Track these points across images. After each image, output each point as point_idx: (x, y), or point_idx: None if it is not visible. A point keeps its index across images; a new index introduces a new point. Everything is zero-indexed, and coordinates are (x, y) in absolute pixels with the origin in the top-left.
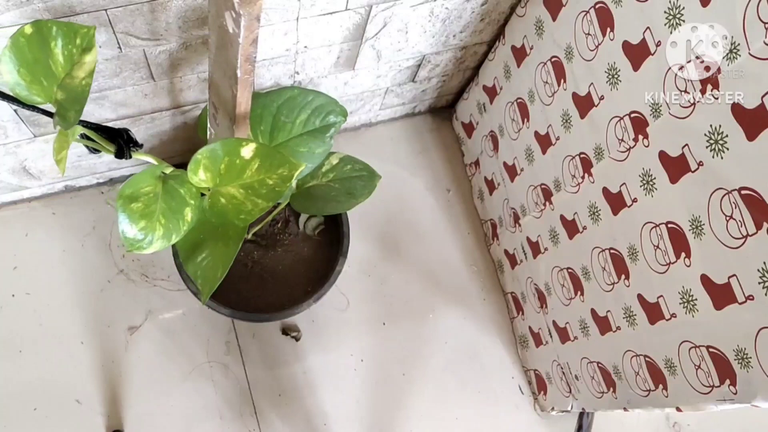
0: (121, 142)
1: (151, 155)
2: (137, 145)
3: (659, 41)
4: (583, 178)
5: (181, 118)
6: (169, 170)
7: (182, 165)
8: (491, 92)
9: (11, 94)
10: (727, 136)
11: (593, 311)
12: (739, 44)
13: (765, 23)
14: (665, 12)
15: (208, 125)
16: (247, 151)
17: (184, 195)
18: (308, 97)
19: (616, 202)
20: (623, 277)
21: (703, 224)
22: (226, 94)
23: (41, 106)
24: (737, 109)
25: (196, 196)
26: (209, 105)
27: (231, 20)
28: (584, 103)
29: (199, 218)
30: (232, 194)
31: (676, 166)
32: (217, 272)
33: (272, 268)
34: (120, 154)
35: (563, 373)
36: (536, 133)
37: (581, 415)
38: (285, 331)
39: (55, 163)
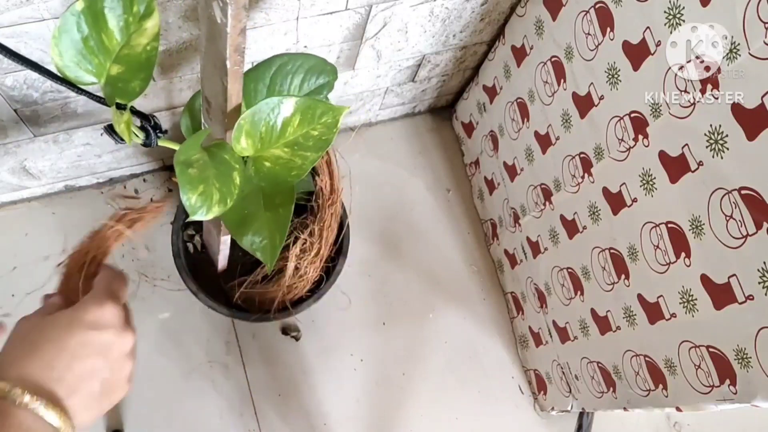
0: (149, 127)
1: (171, 142)
2: (163, 132)
3: (659, 41)
4: (583, 177)
5: (179, 118)
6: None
7: None
8: (491, 92)
9: (60, 75)
10: (727, 136)
11: (593, 311)
12: (739, 44)
13: (765, 23)
14: (665, 12)
15: (202, 120)
16: (287, 107)
17: (228, 160)
18: (298, 61)
19: (616, 201)
20: (623, 276)
21: (703, 224)
22: (217, 87)
23: (89, 88)
24: (737, 109)
25: (239, 160)
26: (202, 100)
27: (219, 9)
28: (584, 103)
29: (242, 190)
30: (277, 155)
31: (676, 166)
32: (275, 240)
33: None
34: (148, 140)
35: (563, 372)
36: (536, 133)
37: (581, 415)
38: (285, 331)
39: (122, 135)
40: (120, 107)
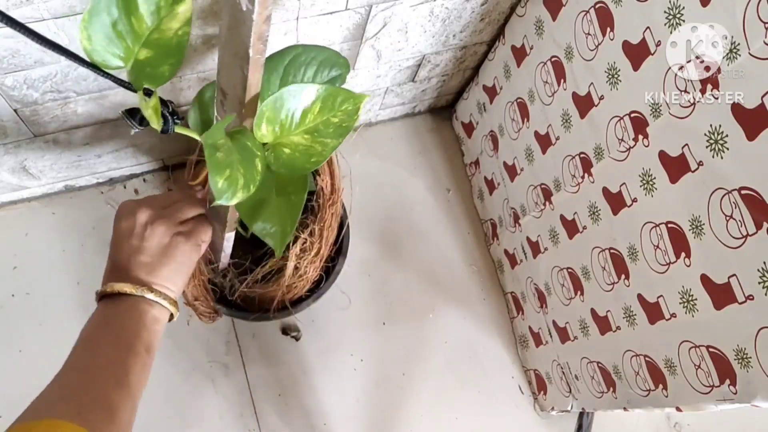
0: (167, 113)
1: (188, 130)
2: (180, 118)
3: (659, 41)
4: (583, 177)
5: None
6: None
7: (182, 165)
8: (491, 92)
9: (87, 59)
10: (727, 136)
11: (593, 311)
12: (739, 44)
13: (765, 23)
14: (665, 12)
15: (215, 113)
16: (308, 95)
17: (251, 147)
18: (312, 53)
19: (616, 202)
20: (623, 276)
21: (703, 224)
22: (236, 76)
23: (115, 72)
24: (737, 109)
25: (261, 147)
26: (217, 91)
27: None
28: (584, 103)
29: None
30: (296, 142)
31: (676, 166)
32: (286, 226)
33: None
34: (165, 125)
35: (563, 372)
36: (536, 133)
37: (581, 415)
38: (285, 331)
39: (149, 120)
40: (146, 93)
